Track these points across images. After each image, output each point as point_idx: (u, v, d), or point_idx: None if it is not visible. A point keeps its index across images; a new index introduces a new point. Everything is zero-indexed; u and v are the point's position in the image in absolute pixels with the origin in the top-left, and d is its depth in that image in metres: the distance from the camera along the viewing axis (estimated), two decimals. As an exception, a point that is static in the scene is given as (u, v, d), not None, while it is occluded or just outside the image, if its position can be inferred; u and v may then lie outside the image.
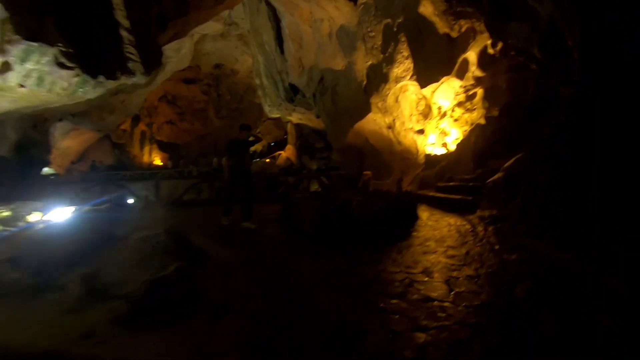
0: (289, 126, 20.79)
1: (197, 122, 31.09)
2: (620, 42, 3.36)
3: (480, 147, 7.85)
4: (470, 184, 6.38)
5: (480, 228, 4.75)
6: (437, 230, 4.81)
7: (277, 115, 19.34)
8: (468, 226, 4.94)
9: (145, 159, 27.50)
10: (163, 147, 29.38)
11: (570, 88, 3.73)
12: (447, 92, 9.68)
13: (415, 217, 5.31)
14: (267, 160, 21.70)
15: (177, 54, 22.37)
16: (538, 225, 4.15)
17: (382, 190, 6.70)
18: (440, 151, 9.89)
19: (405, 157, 11.20)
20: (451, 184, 7.13)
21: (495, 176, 5.76)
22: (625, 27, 3.34)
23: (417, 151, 10.85)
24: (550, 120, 5.95)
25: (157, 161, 28.03)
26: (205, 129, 30.92)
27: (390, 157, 11.62)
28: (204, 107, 30.56)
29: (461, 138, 9.56)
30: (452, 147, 9.84)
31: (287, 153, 20.91)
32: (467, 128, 9.47)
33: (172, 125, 30.99)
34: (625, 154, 3.46)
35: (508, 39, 5.06)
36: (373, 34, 10.68)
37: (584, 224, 3.65)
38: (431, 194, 6.74)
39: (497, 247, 3.94)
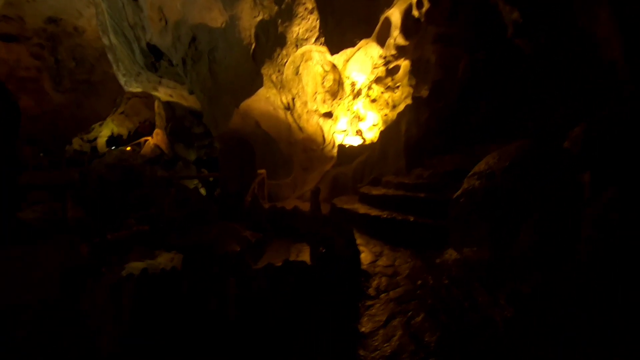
0: (156, 105, 16.21)
1: (26, 97, 22.94)
2: None
3: (414, 137, 5.77)
4: (421, 194, 4.13)
5: (482, 298, 2.43)
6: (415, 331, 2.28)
7: (138, 90, 14.67)
8: (457, 290, 2.59)
9: None
10: (-33, 129, 20.76)
11: None
12: (363, 62, 7.40)
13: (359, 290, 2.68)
14: (128, 148, 16.69)
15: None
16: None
17: (283, 208, 3.93)
18: (355, 141, 7.65)
19: (308, 148, 8.67)
20: (384, 191, 4.81)
21: (467, 185, 3.58)
22: None
23: (324, 140, 8.43)
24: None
25: (-44, 149, 19.56)
26: (39, 107, 23.07)
27: (289, 148, 8.95)
28: (36, 77, 22.68)
29: (380, 124, 7.45)
30: (369, 135, 7.69)
31: (155, 139, 16.34)
32: (388, 111, 7.40)
33: (-16, 99, 22.23)
34: None
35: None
36: (263, -25, 7.66)
37: None
38: (363, 210, 4.30)
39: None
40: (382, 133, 6.57)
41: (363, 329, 2.12)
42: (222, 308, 1.79)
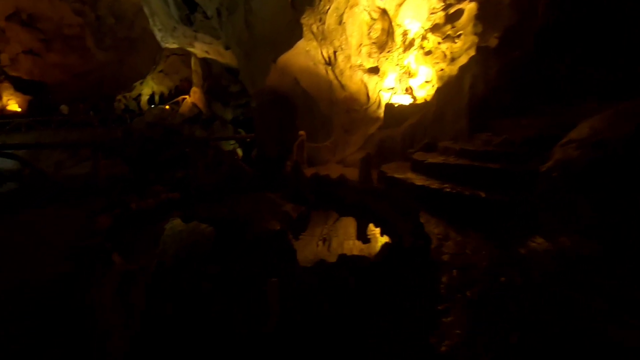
0: (192, 62, 15.84)
1: (72, 55, 23.52)
2: None
3: (479, 95, 4.89)
4: (494, 165, 3.41)
5: (599, 307, 1.81)
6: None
7: (174, 45, 14.30)
8: (559, 295, 1.97)
9: (-6, 102, 20.12)
10: (21, 86, 21.82)
11: None
12: (418, 7, 6.36)
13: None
14: (167, 107, 16.71)
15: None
16: None
17: (328, 176, 3.39)
18: (404, 100, 6.80)
19: (350, 108, 7.94)
20: (443, 159, 4.11)
21: (561, 155, 2.83)
22: None
23: (369, 99, 7.64)
24: None
25: (13, 106, 20.78)
26: (84, 65, 23.62)
27: (330, 107, 8.25)
28: (79, 34, 22.99)
29: (435, 81, 6.52)
30: (420, 93, 6.80)
31: (192, 98, 16.16)
32: (444, 65, 6.43)
33: (35, 57, 23.09)
34: None
35: None
36: None
37: None
38: (420, 182, 3.65)
39: None
40: (438, 91, 5.70)
41: (441, 347, 1.59)
42: (259, 317, 1.33)
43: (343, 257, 1.54)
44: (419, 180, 3.78)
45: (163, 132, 13.92)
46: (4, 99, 20.58)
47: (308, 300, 1.41)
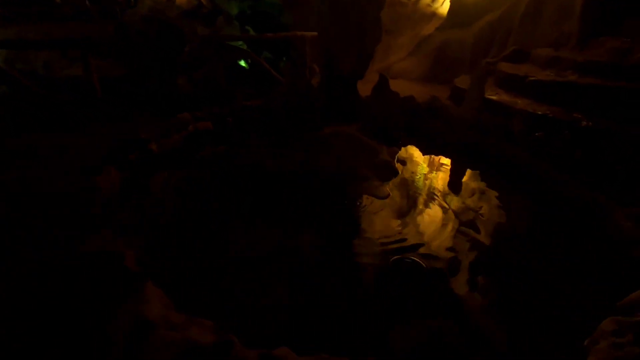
0: (188, -63, 12.89)
1: None
2: None
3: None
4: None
5: None
6: None
7: None
8: None
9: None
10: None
11: None
12: None
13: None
14: (162, -3, 14.23)
15: None
16: None
17: (412, 99, 2.39)
18: (475, -10, 5.22)
19: (395, 1, 6.33)
20: (555, 75, 3.03)
21: None
22: None
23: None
24: None
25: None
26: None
27: None
28: None
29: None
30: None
31: (191, -14, 13.64)
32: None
33: None
34: None
35: None
36: None
37: None
38: (535, 109, 2.64)
39: None
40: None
41: None
42: None
43: None
44: (526, 104, 2.77)
45: (159, 28, 12.02)
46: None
47: None
